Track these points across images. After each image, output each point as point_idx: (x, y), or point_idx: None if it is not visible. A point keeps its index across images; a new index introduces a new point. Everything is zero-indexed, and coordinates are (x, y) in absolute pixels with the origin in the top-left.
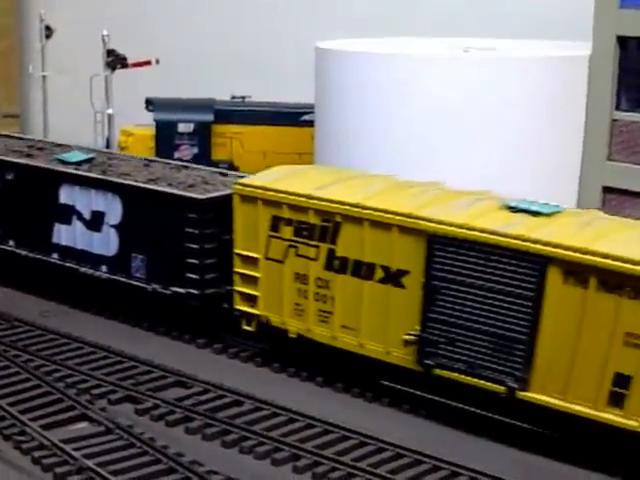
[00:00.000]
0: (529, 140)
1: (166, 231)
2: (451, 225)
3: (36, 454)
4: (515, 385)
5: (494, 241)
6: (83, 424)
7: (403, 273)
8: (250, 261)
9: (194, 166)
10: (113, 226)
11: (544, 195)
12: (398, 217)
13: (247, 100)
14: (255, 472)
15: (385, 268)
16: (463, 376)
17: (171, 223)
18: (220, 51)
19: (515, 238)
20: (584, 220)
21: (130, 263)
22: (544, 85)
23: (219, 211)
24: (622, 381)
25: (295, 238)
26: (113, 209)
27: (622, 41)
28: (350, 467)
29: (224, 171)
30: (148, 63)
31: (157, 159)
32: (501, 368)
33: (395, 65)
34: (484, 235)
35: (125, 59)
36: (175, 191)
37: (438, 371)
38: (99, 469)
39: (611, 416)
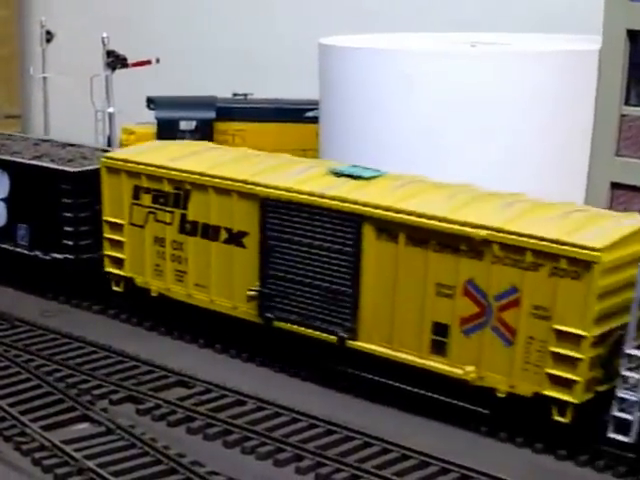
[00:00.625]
0: (537, 135)
1: (46, 202)
2: (280, 189)
3: (37, 455)
4: (345, 335)
5: (317, 203)
6: (84, 425)
7: (243, 234)
8: (117, 227)
9: (79, 144)
10: (2, 199)
11: (552, 190)
12: (237, 183)
13: (249, 97)
14: (257, 473)
15: (228, 230)
16: (299, 327)
17: (50, 195)
18: (221, 48)
19: (334, 199)
20: (399, 183)
21: (16, 232)
22: (552, 80)
23: (91, 183)
24: (441, 330)
25: (153, 205)
26: (2, 184)
27: (632, 35)
28: (354, 468)
29: (107, 148)
30: (148, 62)
31: (49, 138)
32: (331, 319)
33: (400, 61)
34: (308, 197)
35: (125, 59)
36: (52, 165)
37: (277, 323)
38: (100, 470)
39: (436, 364)
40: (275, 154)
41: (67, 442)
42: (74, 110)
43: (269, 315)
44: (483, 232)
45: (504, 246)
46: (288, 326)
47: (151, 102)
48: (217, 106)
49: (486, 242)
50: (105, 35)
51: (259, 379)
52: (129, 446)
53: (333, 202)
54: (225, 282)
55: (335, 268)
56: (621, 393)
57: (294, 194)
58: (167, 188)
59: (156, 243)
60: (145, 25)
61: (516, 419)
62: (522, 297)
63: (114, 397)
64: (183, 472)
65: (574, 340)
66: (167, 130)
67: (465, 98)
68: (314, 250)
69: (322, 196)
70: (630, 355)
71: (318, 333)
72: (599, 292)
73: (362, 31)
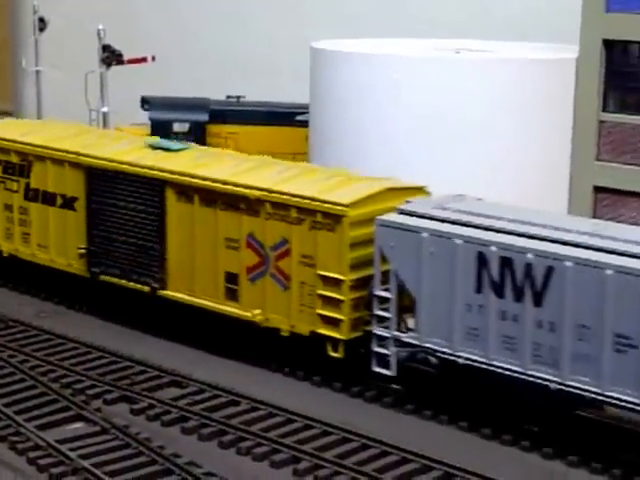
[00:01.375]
0: (520, 139)
1: None
2: (101, 160)
3: (31, 454)
4: (155, 285)
5: (130, 171)
6: (79, 424)
7: (74, 199)
8: None
9: None
10: None
11: (535, 195)
12: (68, 155)
13: (242, 100)
14: (254, 474)
15: (62, 196)
16: (119, 280)
17: None
18: (216, 51)
19: (143, 167)
20: (200, 154)
21: None
22: (533, 86)
23: None
24: (232, 278)
25: (3, 175)
26: None
27: (608, 44)
28: (354, 471)
29: None
30: (144, 60)
31: None
32: (144, 272)
33: (388, 66)
34: (123, 166)
35: (121, 55)
36: None
37: (102, 277)
38: (95, 470)
39: (230, 308)
40: (108, 132)
41: (62, 441)
42: (67, 107)
43: (95, 270)
44: (257, 192)
45: (274, 204)
46: (111, 279)
47: (145, 102)
48: (210, 109)
49: (260, 201)
50: (101, 27)
51: (252, 379)
52: (124, 446)
53: (142, 170)
54: (61, 242)
55: (145, 228)
56: (377, 330)
57: (113, 164)
58: (14, 159)
59: (6, 209)
60: (142, 22)
61: (299, 355)
62: (292, 248)
63: (108, 397)
64: (179, 473)
65: (335, 284)
66: (160, 131)
67: (450, 103)
68: (129, 212)
69: (134, 165)
70: (378, 296)
71: (133, 284)
72: (350, 242)
73: (353, 36)
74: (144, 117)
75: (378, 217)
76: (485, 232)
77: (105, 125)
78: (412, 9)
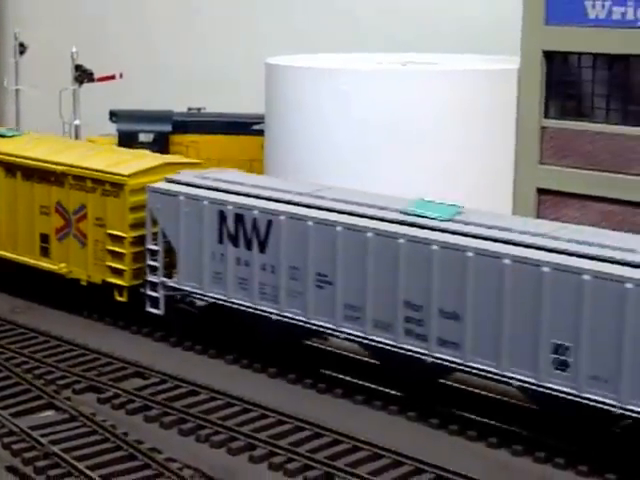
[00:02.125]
0: (465, 146)
1: None
2: None
3: (6, 440)
4: None
5: None
6: (50, 412)
7: None
8: None
9: None
10: None
11: (482, 198)
12: None
13: (202, 111)
14: (212, 461)
15: None
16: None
17: None
18: (178, 67)
19: None
20: (28, 140)
21: None
22: (477, 96)
23: None
24: (45, 239)
25: None
26: None
27: (548, 55)
28: (306, 459)
29: None
30: (112, 77)
31: None
32: None
33: (336, 79)
34: None
35: (92, 74)
36: None
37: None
38: (64, 454)
39: (44, 263)
40: None
41: (34, 428)
42: (44, 122)
43: None
44: (61, 167)
45: (75, 177)
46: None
47: (113, 115)
48: (173, 120)
49: (64, 174)
50: (74, 50)
51: (211, 370)
52: (91, 432)
53: None
54: None
55: None
56: (149, 277)
57: None
58: None
59: None
60: (111, 44)
61: (95, 301)
62: (88, 212)
63: (77, 387)
64: (142, 458)
65: (119, 240)
66: (127, 141)
67: (398, 114)
68: None
69: None
70: (149, 249)
71: None
72: (130, 206)
73: (306, 52)
74: (112, 129)
75: (148, 185)
76: (225, 194)
77: (77, 136)
78: (364, 26)
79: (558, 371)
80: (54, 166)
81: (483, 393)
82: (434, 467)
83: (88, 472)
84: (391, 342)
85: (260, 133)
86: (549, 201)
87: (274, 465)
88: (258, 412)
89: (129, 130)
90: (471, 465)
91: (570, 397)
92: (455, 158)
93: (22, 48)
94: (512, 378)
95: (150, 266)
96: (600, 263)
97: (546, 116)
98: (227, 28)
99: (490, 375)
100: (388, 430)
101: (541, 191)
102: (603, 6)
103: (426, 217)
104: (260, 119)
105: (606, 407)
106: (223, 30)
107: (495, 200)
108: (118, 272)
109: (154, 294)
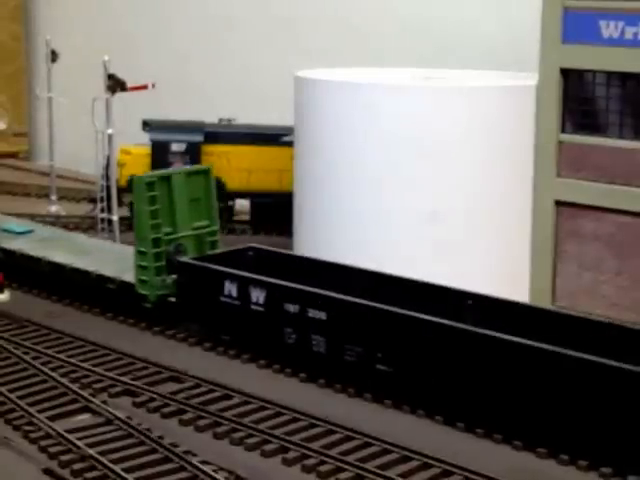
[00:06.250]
0: (487, 161)
1: None
2: None
3: (43, 443)
4: None
5: None
6: (85, 416)
7: None
8: None
9: None
10: None
11: (504, 209)
12: None
13: (233, 122)
14: (246, 463)
15: None
16: None
17: None
18: (210, 78)
19: None
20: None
21: None
22: (497, 110)
23: None
24: None
25: None
26: None
27: (565, 72)
28: (338, 461)
29: None
30: (145, 87)
31: None
32: None
33: (362, 92)
34: None
35: (124, 83)
36: None
37: None
38: (100, 457)
39: None
40: None
41: (70, 431)
42: (77, 129)
43: None
44: None
45: None
46: None
47: (146, 125)
48: (205, 130)
49: None
50: (106, 59)
51: (244, 374)
52: (126, 436)
53: None
54: None
55: None
56: None
57: None
58: None
59: None
60: (144, 54)
61: None
62: None
63: (112, 391)
64: (177, 461)
65: None
66: (160, 151)
67: (423, 126)
68: None
69: None
70: None
71: None
72: None
73: (334, 65)
74: (145, 138)
75: None
76: None
77: (110, 145)
78: (391, 42)
79: None
80: None
81: None
82: (461, 469)
83: (124, 474)
84: None
85: (290, 144)
86: (566, 212)
87: (307, 467)
88: (290, 415)
89: (162, 140)
90: (497, 467)
91: None
92: (476, 172)
93: (54, 56)
94: None
95: None
96: None
97: (563, 131)
98: (257, 41)
99: None
100: (417, 433)
101: (559, 203)
102: (616, 26)
103: None
104: (290, 131)
105: None
106: (254, 43)
107: (516, 211)
108: None
109: None
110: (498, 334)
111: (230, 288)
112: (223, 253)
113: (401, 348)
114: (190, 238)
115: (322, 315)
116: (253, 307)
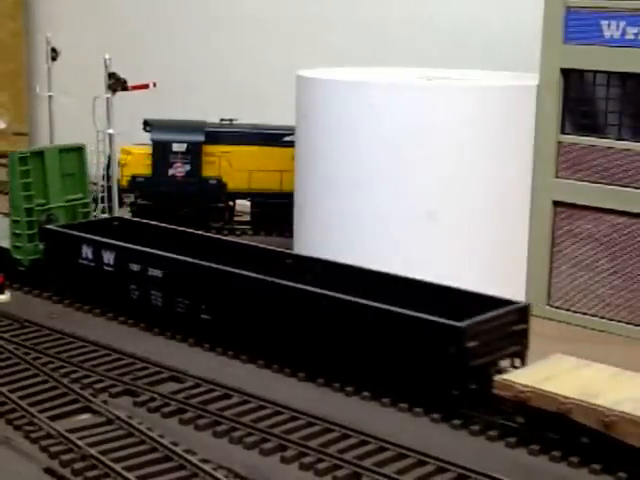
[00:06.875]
0: (488, 160)
1: None
2: None
3: (44, 443)
4: None
5: None
6: (86, 415)
7: None
8: None
9: None
10: None
11: (505, 208)
12: None
13: (234, 122)
14: (245, 461)
15: None
16: None
17: None
18: (211, 78)
19: None
20: None
21: None
22: (498, 110)
23: None
24: None
25: None
26: None
27: (565, 73)
28: (336, 459)
29: None
30: (146, 86)
31: None
32: None
33: (362, 91)
34: None
35: (125, 82)
36: None
37: None
38: (101, 456)
39: None
40: None
41: (71, 431)
42: (77, 129)
43: None
44: None
45: None
46: None
47: (147, 124)
48: (206, 130)
49: None
50: (107, 57)
51: (244, 374)
52: (127, 435)
53: None
54: None
55: None
56: None
57: None
58: None
59: None
60: (145, 52)
61: None
62: None
63: (113, 391)
64: (177, 460)
65: None
66: (161, 151)
67: (425, 125)
68: None
69: None
70: None
71: None
72: None
73: (336, 65)
74: (146, 138)
75: None
76: None
77: (111, 145)
78: (394, 42)
79: None
80: None
81: None
82: (456, 466)
83: (125, 473)
84: None
85: (291, 144)
86: (564, 213)
87: (305, 465)
88: (288, 414)
89: (163, 140)
90: (491, 465)
91: None
92: (477, 171)
93: (54, 54)
94: None
95: None
96: None
97: (562, 131)
98: (258, 41)
99: None
100: (413, 431)
101: (557, 203)
102: (618, 26)
103: None
104: (291, 131)
105: None
106: (254, 43)
107: (515, 210)
108: None
109: None
110: (292, 284)
111: (87, 251)
112: (89, 222)
113: (220, 300)
114: (63, 209)
115: (159, 273)
116: (105, 268)
